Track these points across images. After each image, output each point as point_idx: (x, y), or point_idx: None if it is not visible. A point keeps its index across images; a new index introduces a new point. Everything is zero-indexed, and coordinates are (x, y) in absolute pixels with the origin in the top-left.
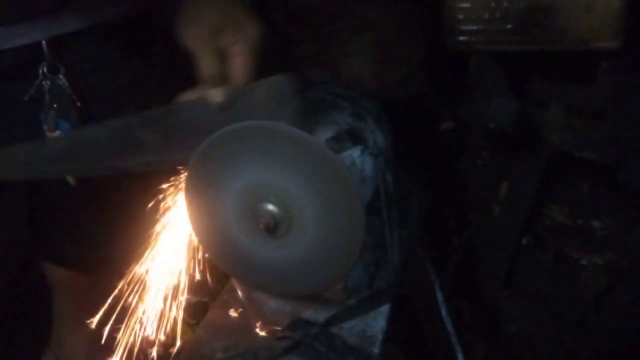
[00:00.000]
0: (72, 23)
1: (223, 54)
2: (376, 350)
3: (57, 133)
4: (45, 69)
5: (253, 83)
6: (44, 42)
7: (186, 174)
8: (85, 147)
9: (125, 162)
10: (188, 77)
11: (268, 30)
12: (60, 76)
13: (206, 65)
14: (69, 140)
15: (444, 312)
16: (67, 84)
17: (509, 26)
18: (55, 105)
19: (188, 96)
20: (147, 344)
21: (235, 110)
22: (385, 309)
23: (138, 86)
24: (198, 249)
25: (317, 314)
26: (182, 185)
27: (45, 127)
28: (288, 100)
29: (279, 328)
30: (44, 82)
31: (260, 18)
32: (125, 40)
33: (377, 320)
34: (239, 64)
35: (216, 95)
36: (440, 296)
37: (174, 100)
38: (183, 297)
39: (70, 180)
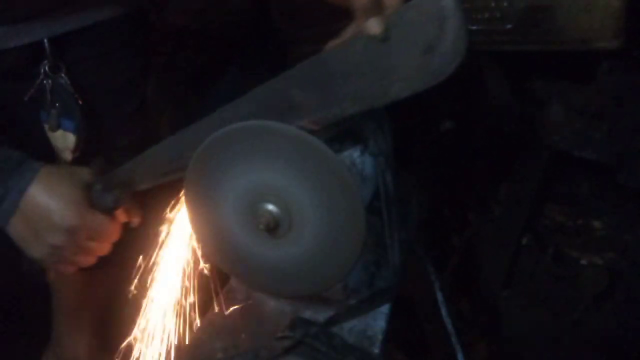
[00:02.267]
0: (73, 22)
1: None
2: (376, 350)
3: (59, 132)
4: (47, 68)
5: (406, 5)
6: (45, 41)
7: (186, 174)
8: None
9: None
10: (189, 77)
11: None
12: (62, 75)
13: None
14: (213, 123)
15: (444, 312)
16: (69, 83)
17: (509, 26)
18: (57, 105)
19: (338, 40)
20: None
21: (395, 39)
22: (385, 309)
23: (139, 83)
24: (198, 248)
25: (317, 314)
26: (182, 185)
27: (46, 126)
28: (449, 17)
29: (279, 328)
30: (45, 81)
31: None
32: (126, 38)
33: (377, 320)
34: None
35: (374, 25)
36: (440, 296)
37: (325, 48)
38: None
39: None
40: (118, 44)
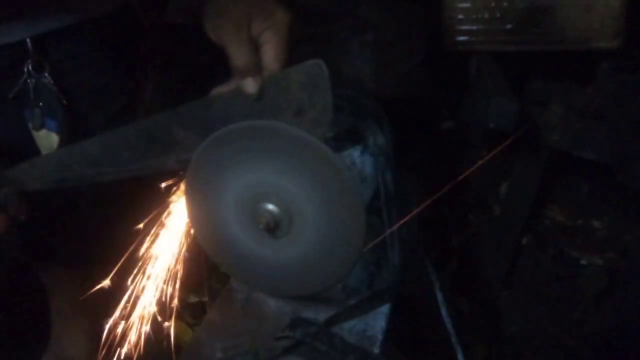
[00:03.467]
0: (56, 21)
1: (253, 43)
2: (376, 350)
3: (43, 132)
4: (30, 67)
5: (285, 70)
6: (28, 40)
7: (186, 174)
8: (120, 149)
9: (163, 161)
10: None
11: (295, 18)
12: (46, 74)
13: (237, 55)
14: (102, 143)
15: (444, 312)
16: (52, 82)
17: (509, 26)
18: (41, 104)
19: (221, 89)
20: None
21: (269, 99)
22: (385, 309)
23: (123, 83)
24: (198, 248)
25: (317, 314)
26: (182, 184)
27: (30, 125)
28: (322, 87)
29: (279, 328)
30: (28, 81)
31: (287, 5)
32: (110, 37)
33: (377, 320)
34: (271, 52)
35: (250, 85)
36: (440, 296)
37: (208, 94)
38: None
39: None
40: (102, 43)
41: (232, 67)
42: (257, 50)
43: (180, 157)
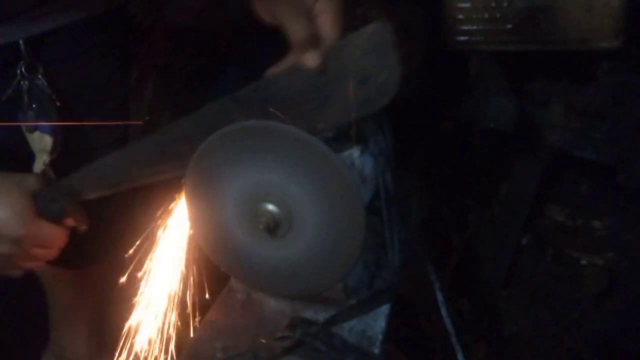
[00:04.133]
0: (49, 22)
1: (308, 15)
2: (376, 350)
3: (36, 134)
4: (23, 69)
5: (346, 38)
6: (21, 41)
7: (186, 174)
8: (178, 143)
9: None
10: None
11: None
12: (39, 76)
13: (296, 29)
14: (160, 141)
15: (444, 312)
16: (46, 84)
17: (509, 26)
18: (34, 106)
19: (278, 67)
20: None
21: (332, 70)
22: (385, 309)
23: (118, 85)
24: (198, 248)
25: (317, 314)
26: (182, 184)
27: (24, 128)
28: (384, 51)
29: (279, 328)
30: (22, 82)
31: None
32: (103, 37)
33: (377, 320)
34: (328, 21)
35: (312, 58)
36: (440, 296)
37: (266, 74)
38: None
39: (51, 174)
40: (95, 44)
41: (291, 42)
42: (313, 21)
43: None
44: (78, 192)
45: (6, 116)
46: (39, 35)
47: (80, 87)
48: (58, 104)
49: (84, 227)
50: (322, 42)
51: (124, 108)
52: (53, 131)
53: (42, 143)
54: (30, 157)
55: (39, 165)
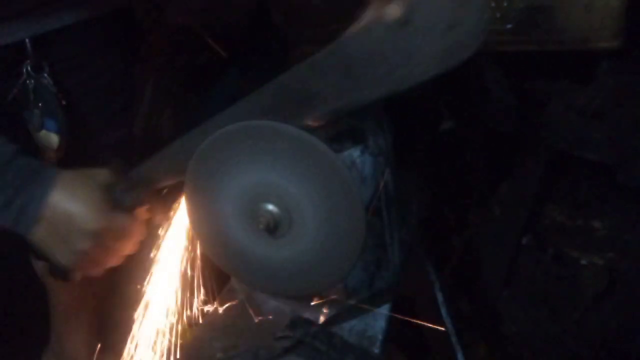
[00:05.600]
0: (55, 21)
1: None
2: (376, 350)
3: (43, 132)
4: (29, 68)
5: None
6: (27, 40)
7: (186, 174)
8: (255, 117)
9: (303, 119)
10: (185, 76)
11: None
12: (45, 75)
13: None
14: (232, 116)
15: (444, 312)
16: (51, 83)
17: (509, 26)
18: (40, 105)
19: (361, 22)
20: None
21: (415, 23)
22: (385, 309)
23: (124, 83)
24: (198, 248)
25: (317, 314)
26: (182, 185)
27: (30, 126)
28: None
29: (279, 328)
30: (28, 81)
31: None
32: (108, 37)
33: (377, 320)
34: None
35: (392, 10)
36: (440, 296)
37: (342, 35)
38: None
39: None
40: (101, 43)
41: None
42: None
43: (321, 111)
44: (151, 181)
45: (12, 115)
46: (45, 34)
47: (85, 86)
48: (64, 102)
49: (161, 216)
50: None
51: (129, 107)
52: (59, 130)
53: (48, 141)
54: (36, 155)
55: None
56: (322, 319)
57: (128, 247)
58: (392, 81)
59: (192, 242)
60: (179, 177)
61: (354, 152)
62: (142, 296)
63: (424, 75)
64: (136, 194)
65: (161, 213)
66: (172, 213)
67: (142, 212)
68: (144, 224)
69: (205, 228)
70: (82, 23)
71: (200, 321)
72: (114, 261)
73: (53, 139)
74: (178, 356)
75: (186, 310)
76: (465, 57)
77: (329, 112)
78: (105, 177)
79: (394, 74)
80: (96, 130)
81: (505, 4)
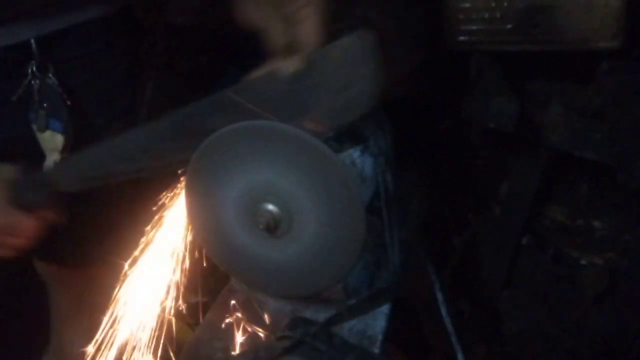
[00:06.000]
0: (60, 22)
1: (289, 22)
2: (376, 350)
3: (48, 133)
4: (34, 68)
5: (324, 47)
6: (32, 40)
7: (186, 174)
8: (153, 143)
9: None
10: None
11: None
12: (50, 75)
13: (275, 35)
14: (134, 139)
15: (444, 312)
16: (57, 83)
17: (509, 26)
18: (45, 105)
19: (258, 72)
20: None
21: (310, 78)
22: (385, 309)
23: (129, 84)
24: (198, 248)
25: (317, 314)
26: (181, 185)
27: (34, 127)
28: (364, 60)
29: (279, 328)
30: (33, 82)
31: None
32: (113, 37)
33: (377, 320)
34: (308, 29)
35: (289, 65)
36: (440, 296)
37: (242, 79)
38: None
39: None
40: (105, 44)
41: (271, 47)
42: (294, 28)
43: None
44: (58, 184)
45: (17, 115)
46: (50, 35)
47: (90, 87)
48: (68, 103)
49: (61, 220)
50: (302, 49)
51: (134, 108)
52: (64, 130)
53: (53, 142)
54: (41, 156)
55: (50, 164)
56: (322, 319)
57: (20, 244)
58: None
59: (191, 241)
60: (86, 185)
61: (354, 152)
62: (142, 296)
63: (317, 128)
64: (39, 194)
65: (62, 217)
66: (172, 214)
67: (42, 212)
68: (41, 224)
69: (205, 228)
70: (87, 23)
71: (200, 321)
72: (5, 254)
73: (58, 139)
74: (178, 356)
75: (185, 309)
76: (360, 114)
77: (315, 123)
78: (9, 173)
79: (292, 121)
80: (101, 130)
81: (505, 4)
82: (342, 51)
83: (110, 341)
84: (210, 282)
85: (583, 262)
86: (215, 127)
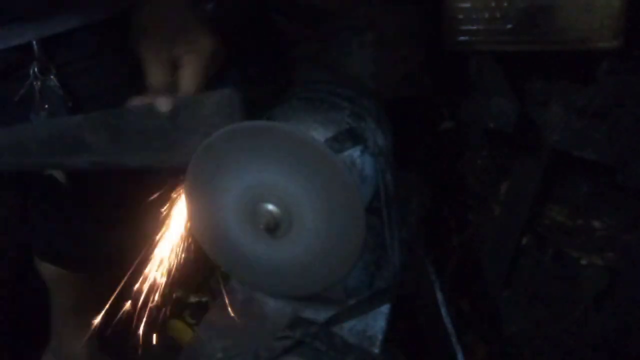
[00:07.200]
0: (63, 23)
1: (173, 64)
2: (376, 350)
3: None
4: (36, 70)
5: (199, 95)
6: (34, 42)
7: (186, 173)
8: (31, 144)
9: (74, 161)
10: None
11: (219, 47)
12: (52, 77)
13: (153, 75)
14: (16, 134)
15: (444, 312)
16: (58, 85)
17: (509, 26)
18: (46, 106)
19: (136, 102)
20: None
21: (182, 119)
22: (385, 309)
23: (130, 86)
24: (198, 248)
25: (317, 314)
26: (181, 185)
27: None
28: (233, 116)
29: (279, 328)
30: (34, 83)
31: (213, 33)
32: (116, 40)
33: (377, 320)
34: (188, 75)
35: (162, 104)
36: (440, 296)
37: (124, 104)
38: (180, 295)
39: (60, 177)
40: (108, 46)
41: (147, 83)
42: (176, 71)
43: (91, 159)
44: None
45: (18, 117)
46: (52, 36)
47: (92, 89)
48: (70, 104)
49: None
50: (178, 91)
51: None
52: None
53: None
54: None
55: None
56: (322, 319)
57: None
58: (152, 159)
59: (191, 241)
60: None
61: (354, 152)
62: (142, 297)
63: (182, 165)
64: None
65: None
66: (173, 214)
67: None
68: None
69: (205, 228)
70: (89, 26)
71: (200, 321)
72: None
73: None
74: (178, 356)
75: (186, 309)
76: None
77: (94, 163)
78: None
79: (154, 155)
80: None
81: (505, 4)
82: (211, 103)
83: (111, 341)
84: (210, 282)
85: (583, 262)
86: (89, 142)
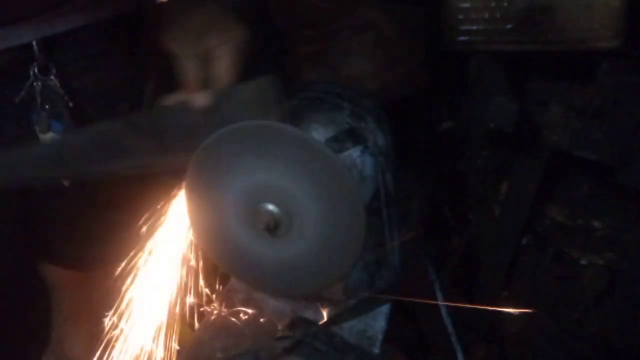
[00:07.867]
0: (63, 24)
1: (207, 57)
2: (376, 350)
3: (50, 134)
4: (36, 70)
5: (237, 86)
6: (34, 42)
7: (186, 173)
8: (70, 153)
9: (112, 166)
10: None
11: (254, 35)
12: (52, 77)
13: (189, 68)
14: (54, 146)
15: (444, 312)
16: (58, 85)
17: (509, 26)
18: (47, 107)
19: (171, 100)
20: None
21: (220, 113)
22: (385, 309)
23: (131, 86)
24: (198, 248)
25: (317, 314)
26: (182, 185)
27: (37, 129)
28: (273, 103)
29: (280, 328)
30: (35, 83)
31: (245, 22)
32: (117, 40)
33: (377, 320)
34: (223, 67)
35: (200, 98)
36: (440, 296)
37: (157, 104)
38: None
39: (64, 181)
40: (108, 46)
41: (183, 79)
42: (209, 64)
43: (129, 163)
44: None
45: (19, 117)
46: (52, 36)
47: (93, 89)
48: (70, 105)
49: None
50: (214, 84)
51: (135, 109)
52: (65, 132)
53: None
54: None
55: None
56: (322, 319)
57: None
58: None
59: (192, 241)
60: None
61: (354, 152)
62: (141, 296)
63: None
64: None
65: None
66: (173, 214)
67: None
68: None
69: (206, 228)
70: (90, 26)
71: (200, 321)
72: None
73: None
74: (178, 356)
75: (185, 310)
76: None
77: (140, 166)
78: None
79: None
80: None
81: (505, 4)
82: (250, 93)
83: (112, 342)
84: (210, 282)
85: (583, 262)
86: (131, 146)
